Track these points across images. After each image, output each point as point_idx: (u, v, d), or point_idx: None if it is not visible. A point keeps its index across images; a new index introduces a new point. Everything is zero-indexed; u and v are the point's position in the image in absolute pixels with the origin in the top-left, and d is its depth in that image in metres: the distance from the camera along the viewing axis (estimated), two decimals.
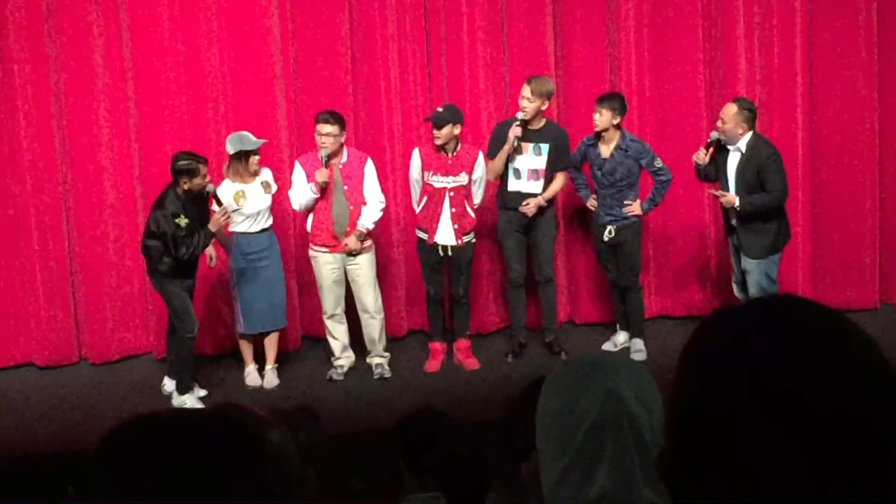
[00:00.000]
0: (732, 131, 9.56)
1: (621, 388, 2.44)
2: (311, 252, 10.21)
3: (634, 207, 10.16)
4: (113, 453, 1.68)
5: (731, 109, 9.62)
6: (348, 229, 9.97)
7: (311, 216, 10.09)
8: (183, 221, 9.38)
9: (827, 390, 1.62)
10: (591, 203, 10.36)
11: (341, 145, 9.93)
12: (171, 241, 9.38)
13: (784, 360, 1.65)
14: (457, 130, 9.91)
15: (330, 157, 9.84)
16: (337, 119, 9.86)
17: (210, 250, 9.92)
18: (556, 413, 2.49)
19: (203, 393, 9.95)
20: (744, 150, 9.58)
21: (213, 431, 1.70)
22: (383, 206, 10.16)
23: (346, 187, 9.95)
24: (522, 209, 10.12)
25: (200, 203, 9.61)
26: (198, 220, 9.50)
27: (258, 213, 9.92)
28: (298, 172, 9.99)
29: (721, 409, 1.67)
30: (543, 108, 10.04)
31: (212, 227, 9.52)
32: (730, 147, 9.65)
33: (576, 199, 10.63)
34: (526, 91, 9.99)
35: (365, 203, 10.01)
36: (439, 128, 9.85)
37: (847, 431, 1.61)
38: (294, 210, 10.27)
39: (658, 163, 10.08)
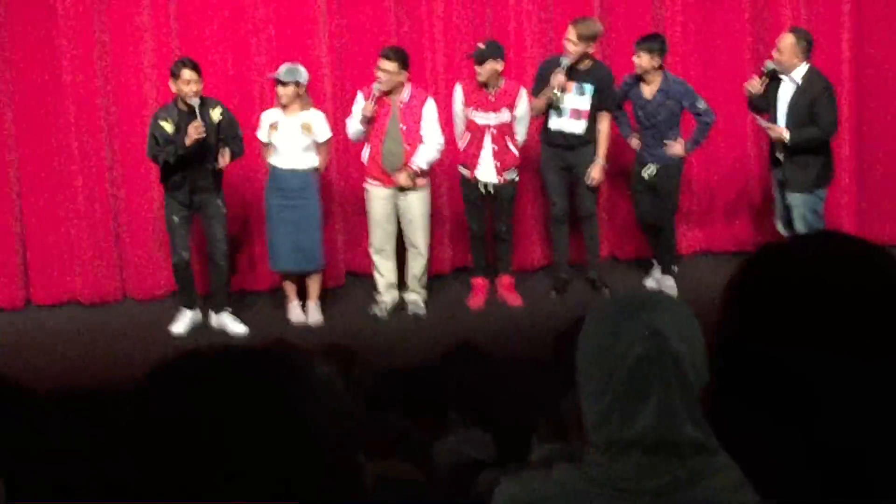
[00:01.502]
0: (788, 61, 9.44)
1: (663, 325, 2.42)
2: (365, 185, 10.18)
3: (677, 148, 10.09)
4: (157, 388, 1.69)
5: (787, 39, 9.50)
6: (401, 167, 9.94)
7: (366, 148, 10.07)
8: (169, 127, 9.49)
9: (868, 334, 1.60)
10: (634, 142, 10.29)
11: (402, 84, 9.85)
12: (149, 140, 9.53)
13: (828, 302, 1.63)
14: (499, 66, 9.85)
15: (388, 93, 9.78)
16: (397, 56, 9.77)
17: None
18: (596, 351, 2.48)
19: (182, 329, 10.05)
20: (799, 82, 9.45)
21: (258, 365, 1.70)
22: (441, 147, 10.04)
23: (403, 126, 9.86)
24: (590, 182, 10.13)
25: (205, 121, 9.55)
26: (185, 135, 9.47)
27: (290, 151, 9.86)
28: (359, 101, 9.93)
29: (765, 346, 1.66)
30: (589, 50, 9.95)
31: (186, 140, 9.42)
32: (783, 78, 9.53)
33: (618, 134, 10.54)
34: (571, 34, 9.90)
35: (422, 142, 9.97)
36: (481, 63, 9.79)
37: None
38: (350, 139, 10.22)
39: (701, 104, 10.00)
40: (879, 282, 1.65)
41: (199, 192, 9.74)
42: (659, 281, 10.49)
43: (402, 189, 9.99)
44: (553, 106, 10.00)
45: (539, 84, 10.11)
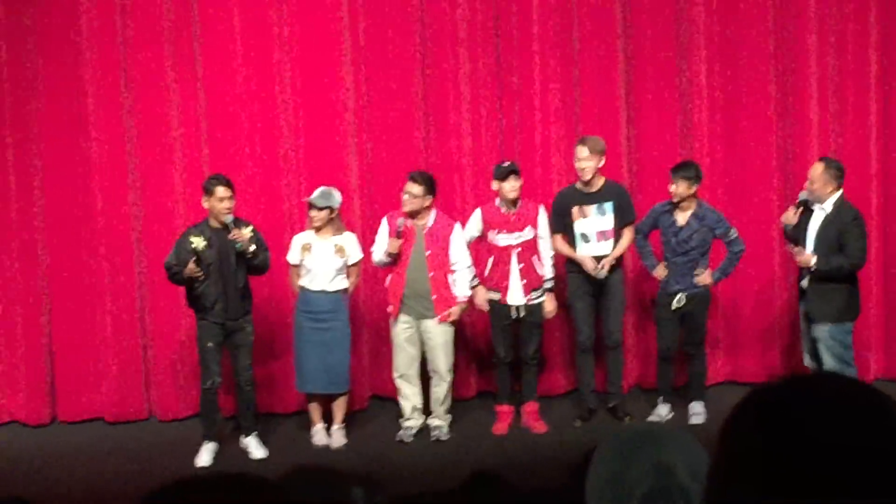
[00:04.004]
0: (821, 190, 9.41)
1: (672, 460, 2.41)
2: (389, 309, 10.19)
3: (705, 277, 10.08)
4: None
5: (818, 169, 9.49)
6: (434, 296, 9.94)
7: (390, 274, 10.11)
8: (200, 243, 9.36)
9: (850, 486, 1.57)
10: (661, 272, 10.21)
11: (427, 208, 9.91)
12: (172, 250, 9.44)
13: (814, 451, 1.60)
14: (520, 183, 9.97)
15: (412, 216, 9.84)
16: (424, 180, 9.84)
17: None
18: (606, 485, 2.46)
19: (207, 460, 9.85)
20: (829, 210, 9.42)
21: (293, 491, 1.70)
22: (473, 271, 10.08)
23: (428, 252, 9.92)
24: (596, 272, 10.05)
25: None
26: (219, 255, 9.43)
27: (320, 273, 9.88)
28: (383, 228, 10.01)
29: (741, 493, 1.64)
30: (600, 165, 10.04)
31: (185, 271, 9.34)
32: (815, 207, 9.52)
33: (642, 266, 10.57)
34: (582, 152, 9.99)
35: (449, 270, 9.96)
36: (516, 176, 9.88)
37: None
38: (374, 265, 10.26)
39: (733, 233, 10.03)
40: (868, 430, 1.63)
41: (231, 317, 9.64)
42: (672, 415, 10.40)
43: (424, 316, 10.00)
44: (577, 226, 10.09)
45: (556, 217, 10.16)
